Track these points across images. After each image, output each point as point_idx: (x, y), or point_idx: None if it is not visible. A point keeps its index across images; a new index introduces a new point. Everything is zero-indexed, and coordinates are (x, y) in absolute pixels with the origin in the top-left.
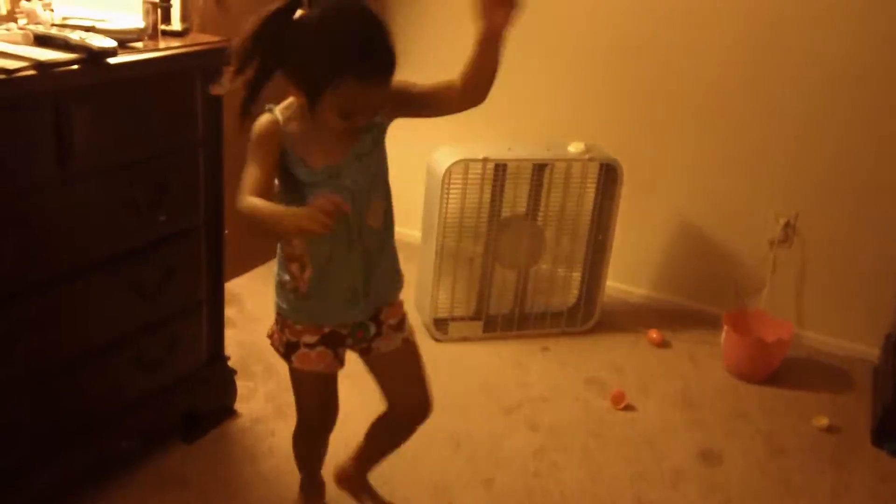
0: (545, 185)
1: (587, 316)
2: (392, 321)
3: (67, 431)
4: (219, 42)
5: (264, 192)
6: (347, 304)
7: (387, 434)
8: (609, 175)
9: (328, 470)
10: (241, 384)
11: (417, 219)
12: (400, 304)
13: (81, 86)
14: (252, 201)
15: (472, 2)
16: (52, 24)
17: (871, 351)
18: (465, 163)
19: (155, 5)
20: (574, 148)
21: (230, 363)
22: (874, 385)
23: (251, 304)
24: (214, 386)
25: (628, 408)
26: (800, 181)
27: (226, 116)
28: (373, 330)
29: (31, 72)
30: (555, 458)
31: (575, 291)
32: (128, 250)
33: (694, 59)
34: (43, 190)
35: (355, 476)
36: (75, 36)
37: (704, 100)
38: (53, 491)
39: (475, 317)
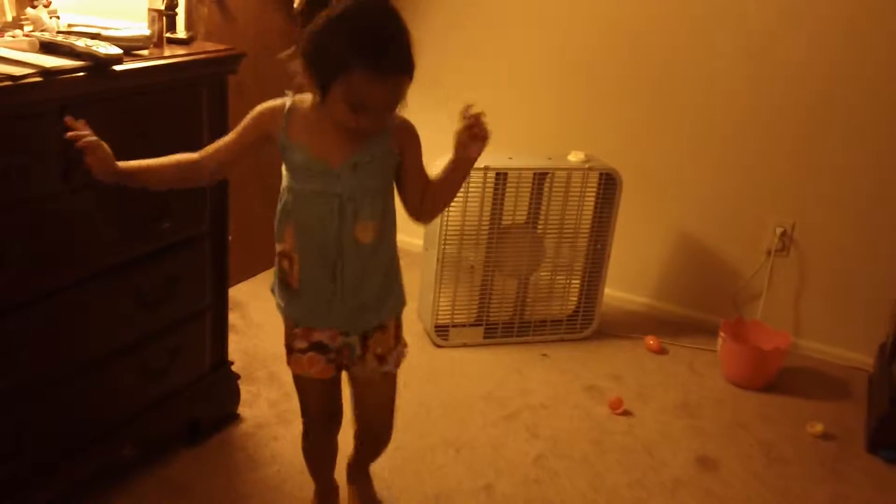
0: (545, 194)
1: (586, 323)
2: (378, 350)
3: (71, 439)
4: (224, 50)
5: (219, 159)
6: (328, 303)
7: (358, 442)
8: (608, 184)
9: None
10: (244, 389)
11: (419, 227)
12: (394, 331)
13: (87, 93)
14: (165, 158)
15: (454, 135)
16: (58, 32)
17: (867, 360)
18: None
19: (160, 13)
20: (574, 157)
21: (233, 368)
22: (869, 393)
23: (254, 309)
24: (218, 393)
25: (625, 413)
26: (797, 191)
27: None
28: (357, 352)
29: (37, 79)
30: (555, 465)
31: (574, 299)
32: (132, 258)
33: (693, 70)
34: (48, 198)
35: (352, 464)
36: (81, 43)
37: (703, 110)
38: (57, 500)
39: (476, 323)
